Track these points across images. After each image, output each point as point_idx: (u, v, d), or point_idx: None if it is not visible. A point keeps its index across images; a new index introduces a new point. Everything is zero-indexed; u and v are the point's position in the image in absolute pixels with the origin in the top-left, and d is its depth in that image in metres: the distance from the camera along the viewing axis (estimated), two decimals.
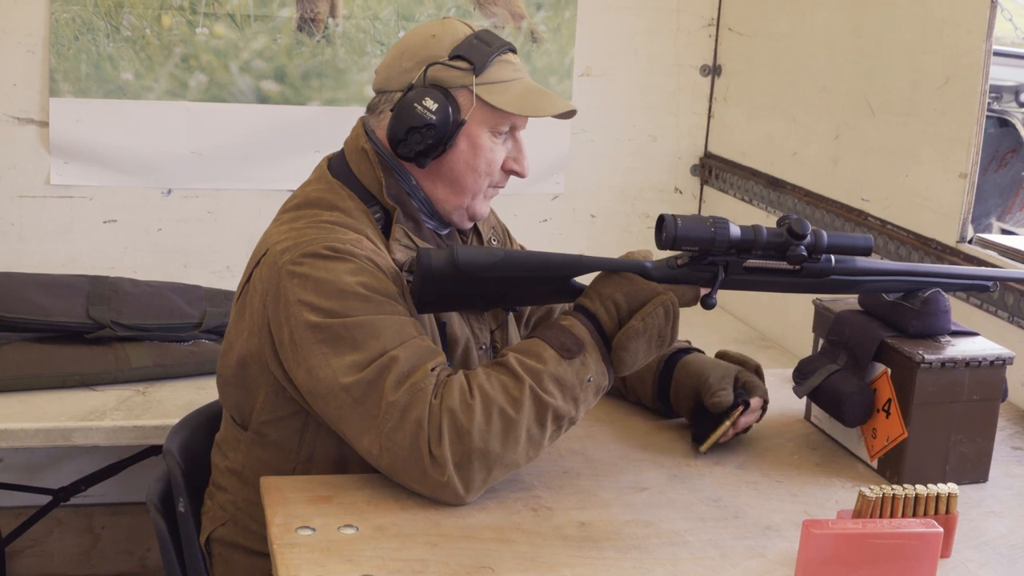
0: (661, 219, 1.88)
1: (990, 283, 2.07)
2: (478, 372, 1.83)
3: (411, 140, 1.97)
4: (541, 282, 1.95)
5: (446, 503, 1.79)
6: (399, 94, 2.00)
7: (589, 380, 1.85)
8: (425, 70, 1.98)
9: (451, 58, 1.99)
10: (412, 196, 2.04)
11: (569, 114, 2.04)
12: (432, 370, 1.81)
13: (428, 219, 2.07)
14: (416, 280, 1.90)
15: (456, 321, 2.05)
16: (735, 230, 1.91)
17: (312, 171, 2.12)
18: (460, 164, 2.02)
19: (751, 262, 1.94)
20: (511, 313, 2.19)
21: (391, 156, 2.04)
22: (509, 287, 1.94)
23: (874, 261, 2.03)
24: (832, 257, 1.97)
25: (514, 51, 2.06)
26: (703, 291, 1.94)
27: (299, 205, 2.03)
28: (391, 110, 2.00)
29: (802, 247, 1.92)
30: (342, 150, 2.10)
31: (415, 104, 1.96)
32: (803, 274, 1.97)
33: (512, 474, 1.85)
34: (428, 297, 1.91)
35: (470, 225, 2.13)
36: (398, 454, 1.77)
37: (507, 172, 2.07)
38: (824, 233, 1.94)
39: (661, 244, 1.89)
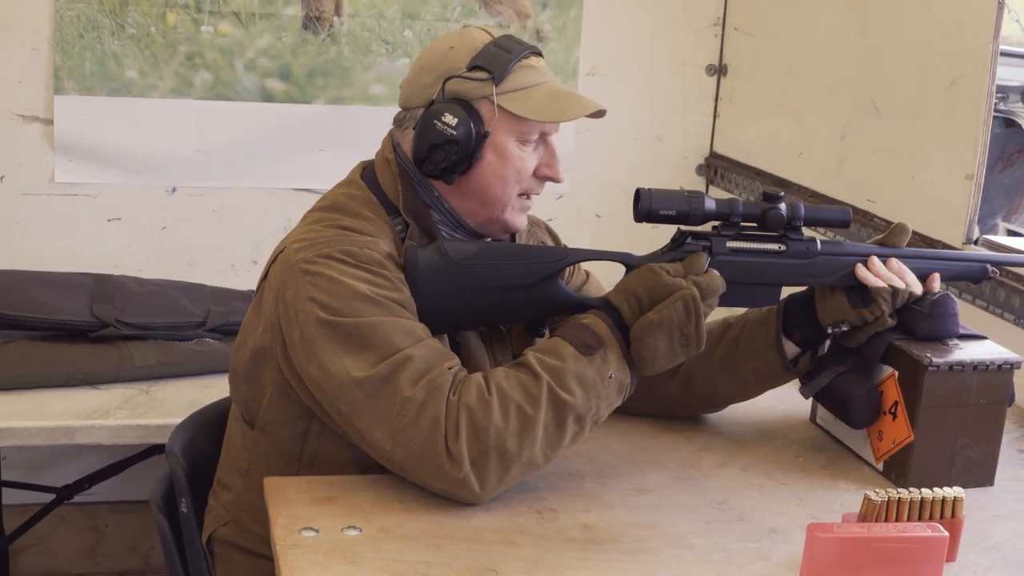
0: (637, 193, 1.90)
1: (987, 266, 2.07)
2: (497, 372, 1.82)
3: (434, 157, 1.94)
4: (528, 277, 1.94)
5: (461, 501, 1.78)
6: (421, 110, 1.97)
7: (611, 377, 1.84)
8: (443, 84, 1.96)
9: (469, 69, 1.96)
10: (435, 208, 2.01)
11: (598, 114, 2.00)
12: (448, 368, 1.80)
13: (453, 232, 2.03)
14: (407, 278, 1.90)
15: (472, 341, 2.04)
16: (710, 203, 1.96)
17: (349, 171, 2.10)
18: (488, 175, 1.97)
19: (734, 243, 1.95)
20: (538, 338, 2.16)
21: (416, 171, 2.01)
22: (501, 292, 1.94)
23: (863, 245, 2.05)
24: (818, 240, 1.99)
25: (538, 54, 2.02)
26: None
27: (324, 208, 2.02)
28: (413, 128, 1.98)
29: (780, 207, 1.95)
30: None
31: (435, 121, 1.93)
32: (788, 255, 1.99)
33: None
34: (420, 302, 1.90)
35: (506, 236, 2.08)
36: (412, 449, 1.75)
37: (541, 178, 2.03)
38: (801, 203, 1.98)
39: (637, 216, 1.94)
